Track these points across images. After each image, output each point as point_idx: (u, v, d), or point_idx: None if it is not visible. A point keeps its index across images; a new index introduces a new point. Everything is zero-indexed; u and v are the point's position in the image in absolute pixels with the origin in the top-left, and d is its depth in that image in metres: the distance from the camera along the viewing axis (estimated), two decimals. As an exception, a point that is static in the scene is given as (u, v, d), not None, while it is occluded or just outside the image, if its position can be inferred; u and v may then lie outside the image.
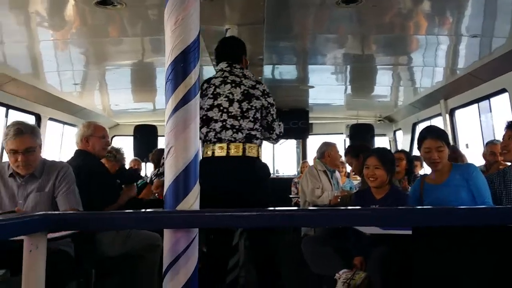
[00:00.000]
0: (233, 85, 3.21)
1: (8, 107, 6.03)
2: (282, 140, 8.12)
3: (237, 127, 3.12)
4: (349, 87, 7.53)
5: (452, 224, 1.57)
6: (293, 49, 5.37)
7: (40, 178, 2.98)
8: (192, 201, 1.49)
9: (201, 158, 3.16)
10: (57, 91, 6.82)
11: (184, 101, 1.49)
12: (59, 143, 7.97)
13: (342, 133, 9.21)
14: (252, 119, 3.17)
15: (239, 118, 3.14)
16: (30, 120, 6.70)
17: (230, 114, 3.14)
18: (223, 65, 3.35)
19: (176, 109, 1.49)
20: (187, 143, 1.50)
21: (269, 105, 3.28)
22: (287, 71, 6.50)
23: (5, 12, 3.82)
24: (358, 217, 1.57)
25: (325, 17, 4.19)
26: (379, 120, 9.51)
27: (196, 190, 1.51)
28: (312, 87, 7.30)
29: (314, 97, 8.12)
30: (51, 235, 1.89)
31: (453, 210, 1.68)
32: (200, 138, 3.14)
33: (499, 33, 4.52)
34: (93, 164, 3.66)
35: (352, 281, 2.74)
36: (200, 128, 3.05)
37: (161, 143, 8.89)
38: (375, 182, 3.23)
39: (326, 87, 7.28)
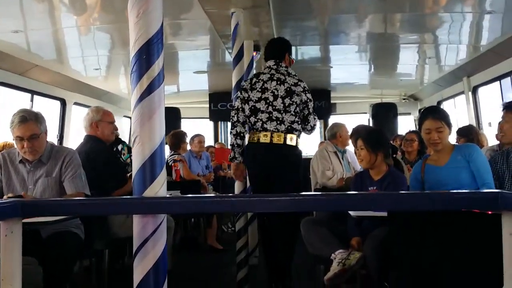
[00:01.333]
0: (278, 82, 3.68)
1: (33, 92, 6.23)
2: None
3: (280, 119, 3.63)
4: (372, 66, 7.45)
5: (424, 208, 1.59)
6: (314, 29, 5.37)
7: (48, 163, 3.10)
8: (158, 188, 1.55)
9: (246, 143, 3.80)
10: (81, 76, 7.00)
11: (149, 91, 1.54)
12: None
13: (366, 113, 9.12)
14: (293, 113, 3.66)
15: (282, 112, 3.63)
16: (55, 105, 6.92)
17: (274, 107, 3.63)
18: (270, 63, 3.81)
19: (140, 99, 1.54)
20: (152, 131, 1.55)
21: (307, 100, 3.72)
22: (308, 52, 6.48)
23: (28, 0, 3.94)
24: (335, 202, 1.60)
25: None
26: (404, 99, 9.36)
27: (162, 177, 1.57)
28: (332, 67, 7.26)
29: (337, 76, 8.09)
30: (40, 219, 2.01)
31: (424, 195, 1.69)
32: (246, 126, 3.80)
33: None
34: (102, 149, 3.76)
35: (347, 261, 2.76)
36: (249, 117, 3.70)
37: (184, 125, 9.04)
38: (362, 163, 3.26)
39: (348, 66, 7.23)
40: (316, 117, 3.87)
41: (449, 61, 6.68)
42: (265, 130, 3.62)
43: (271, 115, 3.63)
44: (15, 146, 3.12)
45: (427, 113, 3.16)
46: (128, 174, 3.91)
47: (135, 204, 1.52)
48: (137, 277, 1.54)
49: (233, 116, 3.81)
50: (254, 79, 3.76)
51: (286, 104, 3.63)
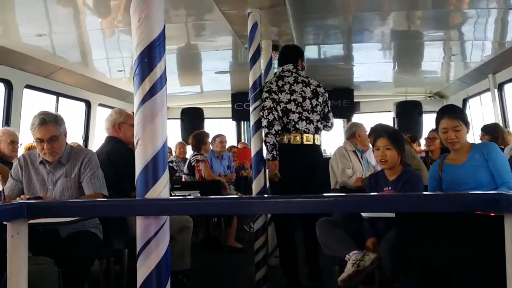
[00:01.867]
0: (304, 84, 3.97)
1: (58, 94, 6.37)
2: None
3: (310, 119, 3.91)
4: (396, 64, 7.36)
5: (424, 210, 1.57)
6: (336, 28, 5.34)
7: (67, 164, 3.17)
8: (160, 189, 1.57)
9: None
10: (106, 78, 7.12)
11: (151, 94, 1.56)
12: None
13: (390, 111, 9.00)
14: (319, 113, 3.99)
15: (310, 112, 3.92)
16: (81, 106, 7.06)
17: (304, 108, 3.90)
18: (289, 66, 4.06)
19: (143, 101, 1.56)
20: (155, 134, 1.57)
21: (327, 99, 4.08)
22: (330, 50, 6.45)
23: (52, 4, 4.03)
24: (343, 204, 1.59)
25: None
26: (429, 97, 9.20)
27: (164, 179, 1.58)
28: (355, 65, 7.21)
29: (360, 75, 8.01)
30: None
31: (431, 197, 1.67)
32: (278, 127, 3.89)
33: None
34: (123, 151, 3.79)
35: (361, 262, 2.74)
36: (281, 118, 3.88)
37: (208, 125, 9.09)
38: (386, 164, 3.16)
39: (371, 64, 7.17)
40: (332, 114, 4.18)
41: (474, 58, 6.58)
42: (297, 130, 3.87)
43: (301, 115, 3.89)
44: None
45: (444, 112, 3.11)
46: None
47: (137, 206, 1.54)
48: (140, 277, 1.57)
49: (268, 115, 3.86)
50: (281, 82, 3.95)
51: (314, 105, 3.93)
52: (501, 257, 1.35)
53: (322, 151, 4.11)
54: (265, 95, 3.95)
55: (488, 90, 6.75)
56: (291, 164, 3.87)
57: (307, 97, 3.92)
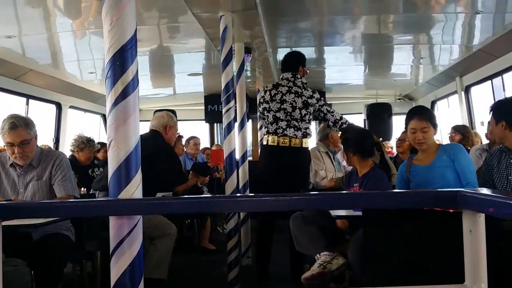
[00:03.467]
0: (296, 95, 4.23)
1: (28, 97, 6.28)
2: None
3: (298, 126, 4.20)
4: (367, 67, 7.50)
5: (386, 206, 1.64)
6: (308, 31, 5.41)
7: (38, 167, 3.15)
8: (133, 190, 1.59)
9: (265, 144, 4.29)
10: (77, 80, 7.05)
11: (123, 96, 1.58)
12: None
13: (361, 113, 9.15)
14: (308, 121, 4.26)
15: (299, 121, 4.19)
16: (51, 108, 6.97)
17: (292, 117, 4.19)
18: (288, 75, 4.33)
19: (115, 104, 1.58)
20: (127, 135, 1.59)
21: (321, 107, 4.31)
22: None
23: (22, 5, 3.98)
24: (312, 201, 1.64)
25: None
26: (399, 99, 9.41)
27: (137, 179, 1.61)
28: (327, 68, 7.31)
29: (331, 77, 8.12)
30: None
31: (394, 194, 1.74)
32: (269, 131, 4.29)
33: (512, 9, 4.45)
34: (169, 148, 4.13)
35: (328, 265, 2.80)
36: (271, 124, 4.24)
37: (181, 127, 9.06)
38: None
39: (342, 67, 7.28)
40: (334, 113, 4.36)
41: (442, 61, 6.73)
42: (285, 135, 4.18)
43: (289, 123, 4.19)
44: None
45: (413, 113, 3.20)
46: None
47: (109, 206, 1.56)
48: (114, 277, 1.59)
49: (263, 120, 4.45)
50: (274, 91, 4.27)
51: (303, 114, 4.21)
52: (459, 250, 1.42)
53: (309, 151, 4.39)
54: (259, 103, 4.42)
55: (455, 92, 6.93)
56: (276, 162, 4.19)
57: (297, 107, 4.20)
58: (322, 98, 4.36)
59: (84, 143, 5.42)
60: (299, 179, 4.22)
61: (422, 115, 3.16)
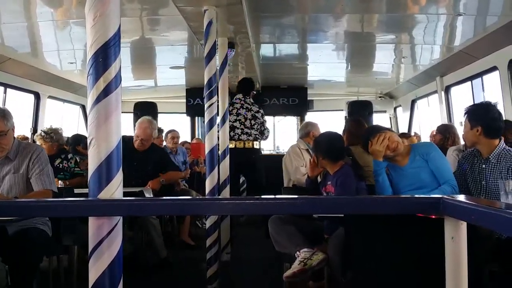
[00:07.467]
0: (247, 110, 5.87)
1: (6, 86, 6.15)
2: (280, 117, 10.03)
3: (249, 133, 5.82)
4: (349, 64, 7.53)
5: (367, 212, 1.64)
6: (292, 27, 5.42)
7: (15, 160, 3.09)
8: (114, 189, 1.56)
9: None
10: (57, 70, 6.92)
11: (105, 93, 1.55)
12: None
13: (342, 110, 9.20)
14: (256, 129, 5.86)
15: (249, 128, 5.81)
16: (29, 98, 6.84)
17: (245, 126, 5.81)
18: (240, 96, 5.94)
19: (97, 101, 1.55)
20: (109, 134, 1.55)
21: (263, 121, 5.99)
22: (285, 49, 6.54)
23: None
24: (291, 206, 1.63)
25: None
26: (380, 97, 9.48)
27: (118, 179, 1.58)
28: (309, 64, 7.33)
29: (314, 74, 8.14)
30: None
31: (376, 199, 1.75)
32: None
33: (494, 11, 4.51)
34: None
35: (308, 261, 2.81)
36: (230, 131, 5.50)
37: (161, 120, 9.01)
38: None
39: (325, 64, 7.30)
40: (268, 129, 6.13)
41: (423, 61, 6.80)
42: (240, 140, 5.76)
43: (243, 130, 5.80)
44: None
45: (369, 134, 3.29)
46: None
47: (90, 206, 1.53)
48: (92, 278, 1.56)
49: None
50: (231, 107, 5.77)
51: (252, 124, 5.83)
52: (440, 256, 1.43)
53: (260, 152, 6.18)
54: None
55: (435, 92, 7.00)
56: (239, 160, 5.50)
57: (248, 118, 5.83)
58: (264, 114, 6.01)
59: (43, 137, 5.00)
60: (255, 171, 5.87)
61: (378, 130, 3.27)
